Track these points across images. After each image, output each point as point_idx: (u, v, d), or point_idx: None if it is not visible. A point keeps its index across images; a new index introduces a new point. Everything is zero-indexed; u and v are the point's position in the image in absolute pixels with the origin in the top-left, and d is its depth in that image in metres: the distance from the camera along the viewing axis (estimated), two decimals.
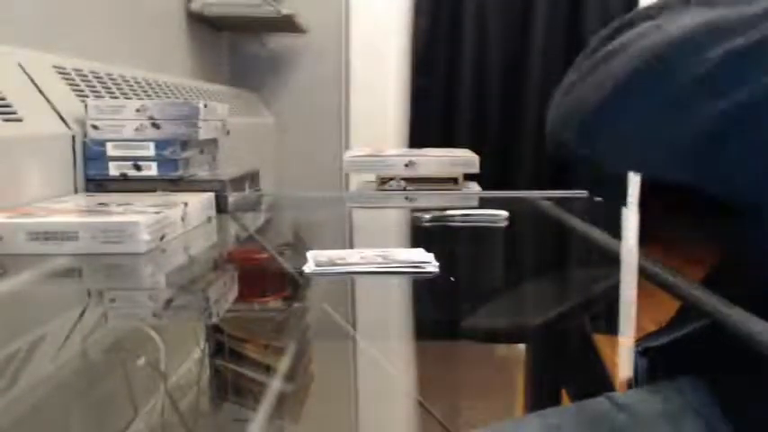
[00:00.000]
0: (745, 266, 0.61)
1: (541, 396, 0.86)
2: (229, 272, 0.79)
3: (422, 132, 2.51)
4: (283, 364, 0.49)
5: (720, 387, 0.58)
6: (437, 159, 1.52)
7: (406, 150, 1.78)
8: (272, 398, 0.44)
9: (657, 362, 0.62)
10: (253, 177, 1.21)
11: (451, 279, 0.71)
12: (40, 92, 1.00)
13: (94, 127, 1.01)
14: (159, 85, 1.48)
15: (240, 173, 1.13)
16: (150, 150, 1.01)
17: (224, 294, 0.68)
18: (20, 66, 1.00)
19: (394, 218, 1.31)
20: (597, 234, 0.90)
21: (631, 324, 0.79)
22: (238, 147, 1.59)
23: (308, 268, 0.68)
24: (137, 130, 1.02)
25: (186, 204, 0.87)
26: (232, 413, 0.45)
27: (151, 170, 1.01)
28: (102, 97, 1.17)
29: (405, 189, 1.47)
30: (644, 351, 0.63)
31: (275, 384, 0.46)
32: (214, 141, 1.17)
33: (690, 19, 0.47)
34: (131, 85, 1.32)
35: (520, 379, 0.85)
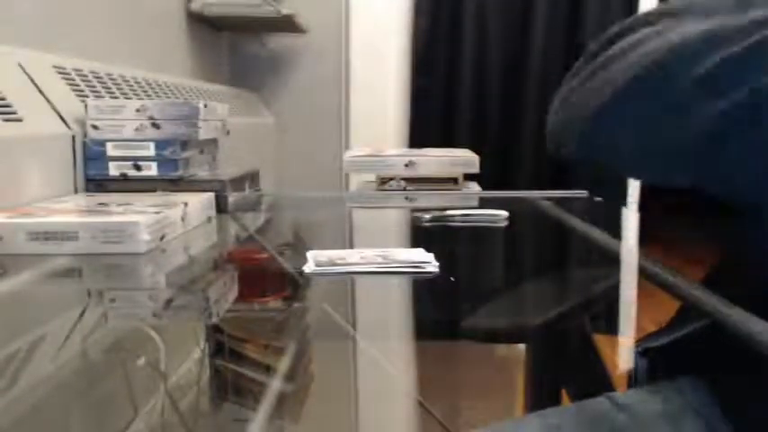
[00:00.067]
0: (745, 266, 0.61)
1: (541, 396, 0.86)
2: (229, 272, 0.79)
3: (422, 132, 2.51)
4: (283, 364, 0.49)
5: (720, 387, 0.58)
6: (437, 159, 1.52)
7: (406, 150, 1.78)
8: (272, 398, 0.44)
9: (657, 362, 0.62)
10: (253, 177, 1.21)
11: (451, 279, 0.71)
12: (40, 92, 1.00)
13: (94, 127, 1.01)
14: (159, 85, 1.48)
15: (240, 173, 1.13)
16: (150, 150, 1.01)
17: (224, 294, 0.68)
18: (20, 66, 1.00)
19: (394, 218, 1.31)
20: (597, 234, 0.90)
21: (631, 324, 0.79)
22: (238, 147, 1.59)
23: (308, 268, 0.68)
24: (137, 130, 1.02)
25: (186, 204, 0.87)
26: (232, 413, 0.45)
27: (151, 170, 1.01)
28: (102, 97, 1.17)
29: (405, 189, 1.47)
30: (644, 351, 0.63)
31: (275, 384, 0.46)
32: (214, 141, 1.17)
33: (690, 26, 0.47)
34: (131, 85, 1.32)
35: (520, 379, 0.85)
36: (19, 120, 0.90)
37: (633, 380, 0.63)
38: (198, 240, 0.89)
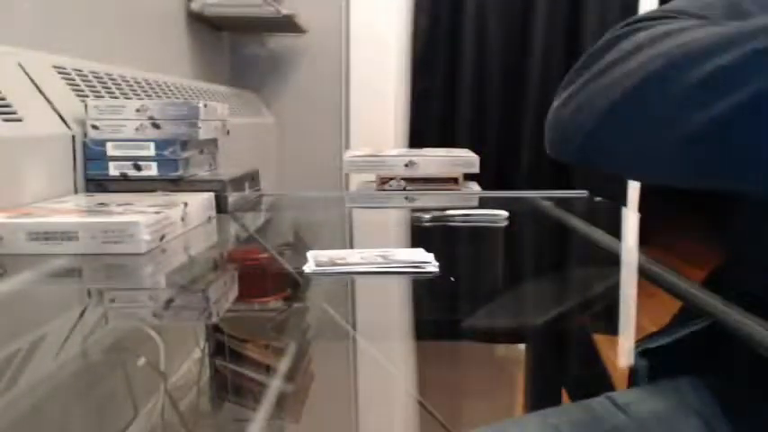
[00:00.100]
0: (746, 267, 0.61)
1: (541, 396, 0.86)
2: (229, 272, 0.79)
3: (422, 132, 2.51)
4: (283, 364, 0.49)
5: (720, 387, 0.58)
6: (437, 159, 1.52)
7: (406, 150, 1.78)
8: (272, 398, 0.44)
9: (657, 362, 0.62)
10: (253, 177, 1.21)
11: (451, 279, 0.72)
12: (40, 92, 1.00)
13: (94, 127, 1.01)
14: (159, 85, 1.49)
15: (240, 173, 1.13)
16: (150, 150, 1.01)
17: (224, 294, 0.68)
18: (20, 66, 1.00)
19: (394, 218, 1.31)
20: (597, 234, 0.90)
21: (631, 324, 0.79)
22: (238, 147, 1.59)
23: (308, 268, 0.68)
24: (137, 130, 1.02)
25: (186, 204, 0.87)
26: (232, 413, 0.45)
27: (151, 170, 1.01)
28: (102, 97, 1.17)
29: (405, 189, 1.47)
30: (644, 351, 0.63)
31: (275, 384, 0.46)
32: (214, 141, 1.17)
33: (693, 32, 0.47)
34: (131, 85, 1.32)
35: (520, 379, 0.85)
36: (19, 120, 0.90)
37: (633, 380, 0.63)
38: (198, 240, 0.89)
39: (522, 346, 0.85)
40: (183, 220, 0.85)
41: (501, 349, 0.83)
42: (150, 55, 1.70)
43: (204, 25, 2.19)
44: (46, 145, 0.95)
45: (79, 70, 1.15)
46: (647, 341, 0.63)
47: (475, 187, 1.54)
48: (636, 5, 2.43)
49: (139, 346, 0.54)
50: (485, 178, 1.56)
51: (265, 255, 0.86)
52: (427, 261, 0.70)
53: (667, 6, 0.56)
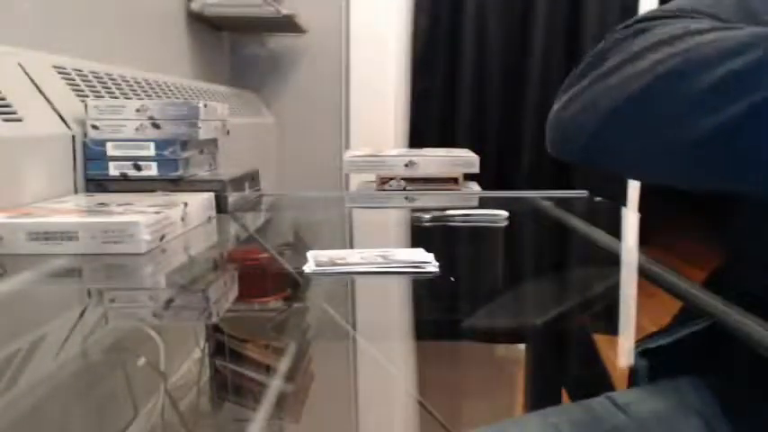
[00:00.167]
0: (746, 264, 0.61)
1: (541, 396, 0.86)
2: (229, 272, 0.79)
3: (422, 132, 2.51)
4: (283, 364, 0.49)
5: (720, 387, 0.58)
6: (437, 159, 1.52)
7: (406, 150, 1.78)
8: (272, 398, 0.44)
9: (658, 362, 0.62)
10: (253, 177, 1.21)
11: (451, 279, 0.72)
12: (40, 92, 1.00)
13: (94, 127, 1.01)
14: (159, 85, 1.49)
15: (240, 173, 1.13)
16: (150, 150, 1.01)
17: (224, 294, 0.68)
18: (20, 66, 1.00)
19: (394, 218, 1.31)
20: (597, 234, 0.90)
21: (631, 324, 0.79)
22: (238, 147, 1.59)
23: (308, 268, 0.68)
24: (137, 130, 1.02)
25: (186, 204, 0.87)
26: (232, 413, 0.45)
27: (151, 170, 1.01)
28: (102, 97, 1.17)
29: (405, 189, 1.47)
30: (644, 351, 0.63)
31: (275, 384, 0.46)
32: (214, 141, 1.17)
33: (701, 36, 0.47)
34: (131, 85, 1.32)
35: (520, 379, 0.85)
36: (19, 120, 0.90)
37: (633, 380, 0.63)
38: (198, 240, 0.89)
39: (522, 346, 0.85)
40: (183, 220, 0.85)
41: (501, 349, 0.83)
42: (150, 55, 1.70)
43: (204, 25, 2.19)
44: (46, 145, 0.95)
45: (79, 70, 1.15)
46: (648, 341, 0.63)
47: (475, 187, 1.54)
48: (636, 5, 2.43)
49: (139, 346, 0.54)
50: (485, 178, 1.56)
51: (265, 255, 0.86)
52: (427, 261, 0.70)
53: (673, 5, 0.56)
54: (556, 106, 0.57)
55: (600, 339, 0.79)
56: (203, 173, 1.10)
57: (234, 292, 0.69)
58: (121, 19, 1.55)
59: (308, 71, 2.53)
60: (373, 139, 2.42)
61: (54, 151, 0.97)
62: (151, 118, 1.02)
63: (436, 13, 2.51)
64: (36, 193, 0.89)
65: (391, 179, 1.48)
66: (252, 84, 2.49)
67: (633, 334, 0.73)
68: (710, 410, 0.56)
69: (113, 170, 1.01)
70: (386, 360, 0.54)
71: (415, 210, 1.30)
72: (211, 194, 0.99)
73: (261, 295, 0.70)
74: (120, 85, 1.27)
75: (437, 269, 0.69)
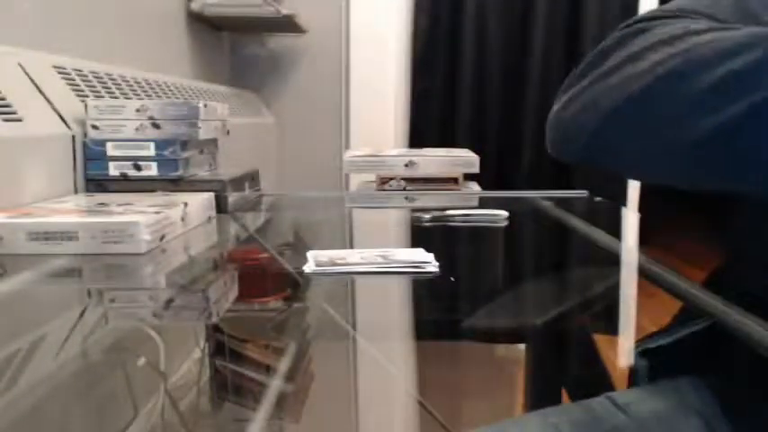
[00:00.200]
0: (746, 264, 0.61)
1: (541, 396, 0.86)
2: (229, 272, 0.79)
3: (422, 132, 2.51)
4: (283, 364, 0.49)
5: (720, 387, 0.58)
6: (437, 159, 1.52)
7: (406, 150, 1.78)
8: (272, 398, 0.44)
9: (658, 362, 0.62)
10: (253, 177, 1.21)
11: (451, 279, 0.71)
12: (40, 92, 1.00)
13: (94, 127, 1.01)
14: (159, 85, 1.49)
15: (240, 173, 1.13)
16: (150, 150, 1.01)
17: (224, 294, 0.68)
18: (20, 66, 1.00)
19: (394, 218, 1.31)
20: (597, 234, 0.90)
21: (631, 324, 0.79)
22: (238, 147, 1.59)
23: (309, 268, 0.68)
24: (137, 130, 1.02)
25: (186, 204, 0.87)
26: (232, 413, 0.45)
27: (151, 170, 1.01)
28: (102, 97, 1.17)
29: (405, 189, 1.47)
30: (644, 351, 0.63)
31: (275, 384, 0.46)
32: (214, 141, 1.17)
33: (700, 37, 0.47)
34: (131, 85, 1.32)
35: (520, 379, 0.85)
36: (19, 120, 0.90)
37: (633, 380, 0.63)
38: (198, 240, 0.89)
39: (522, 346, 0.85)
40: (183, 220, 0.85)
41: (501, 349, 0.83)
42: (150, 55, 1.70)
43: (204, 25, 2.19)
44: (46, 145, 0.95)
45: (79, 70, 1.15)
46: (648, 341, 0.63)
47: (475, 187, 1.54)
48: (636, 5, 2.43)
49: (139, 346, 0.54)
50: (485, 178, 1.56)
51: (265, 255, 0.86)
52: (427, 261, 0.70)
53: (673, 5, 0.56)
54: (556, 106, 0.57)
55: (600, 339, 0.79)
56: (203, 173, 1.10)
57: (234, 292, 0.69)
58: (121, 19, 1.55)
59: (308, 71, 2.53)
60: (373, 139, 2.42)
61: (54, 151, 0.97)
62: (151, 118, 1.02)
63: (436, 13, 2.51)
64: (36, 193, 0.89)
65: (391, 179, 1.48)
66: (252, 84, 2.49)
67: (633, 334, 0.73)
68: (710, 410, 0.56)
69: (113, 170, 1.01)
70: (386, 360, 0.54)
71: (415, 210, 1.30)
72: (211, 194, 0.99)
73: (261, 295, 0.70)
74: (120, 85, 1.27)
75: (437, 269, 0.68)
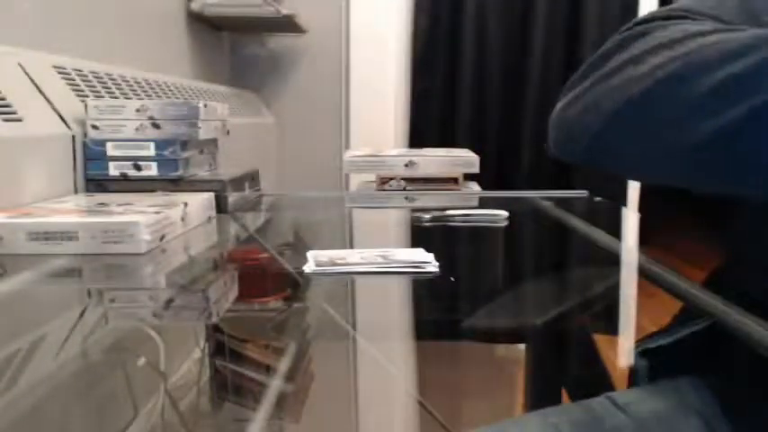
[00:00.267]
0: (746, 267, 0.61)
1: (541, 396, 0.86)
2: (229, 272, 0.79)
3: (422, 132, 2.51)
4: (283, 364, 0.49)
5: (720, 387, 0.58)
6: (437, 159, 1.52)
7: (406, 150, 1.78)
8: (272, 398, 0.44)
9: (658, 362, 0.62)
10: (253, 177, 1.21)
11: (451, 279, 0.71)
12: (40, 92, 1.00)
13: (94, 127, 1.01)
14: (159, 85, 1.49)
15: (240, 173, 1.13)
16: (150, 150, 1.01)
17: (224, 294, 0.68)
18: (20, 66, 1.00)
19: (394, 218, 1.31)
20: (597, 234, 0.90)
21: (631, 324, 0.79)
22: (238, 147, 1.59)
23: (309, 268, 0.68)
24: (137, 130, 1.02)
25: (186, 204, 0.87)
26: (232, 413, 0.45)
27: (151, 170, 1.01)
28: (102, 97, 1.17)
29: (405, 189, 1.47)
30: (644, 351, 0.63)
31: (275, 384, 0.46)
32: (214, 141, 1.17)
33: (702, 38, 0.47)
34: (131, 85, 1.32)
35: (520, 379, 0.85)
36: (19, 120, 0.90)
37: (633, 380, 0.63)
38: (198, 240, 0.89)
39: (522, 346, 0.85)
40: (183, 220, 0.85)
41: (501, 349, 0.83)
42: (150, 55, 1.70)
43: (204, 25, 2.19)
44: (46, 145, 0.95)
45: (79, 70, 1.15)
46: (648, 341, 0.63)
47: (475, 187, 1.54)
48: (636, 5, 2.43)
49: (139, 346, 0.54)
50: (485, 178, 1.56)
51: (265, 255, 0.86)
52: (427, 261, 0.70)
53: (677, 5, 0.56)
54: (559, 105, 0.58)
55: (600, 339, 0.79)
56: (203, 173, 1.10)
57: (234, 292, 0.69)
58: (121, 19, 1.55)
59: (308, 71, 2.53)
60: (373, 139, 2.42)
61: (54, 151, 0.97)
62: (151, 118, 1.02)
63: (436, 13, 2.51)
64: (36, 193, 0.89)
65: (391, 179, 1.48)
66: (252, 84, 2.49)
67: (633, 334, 0.73)
68: (710, 410, 0.56)
69: (113, 170, 1.01)
70: (386, 360, 0.54)
71: (415, 210, 1.30)
72: (211, 194, 0.99)
73: (261, 295, 0.70)
74: (120, 85, 1.27)
75: (437, 269, 0.68)
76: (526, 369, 0.84)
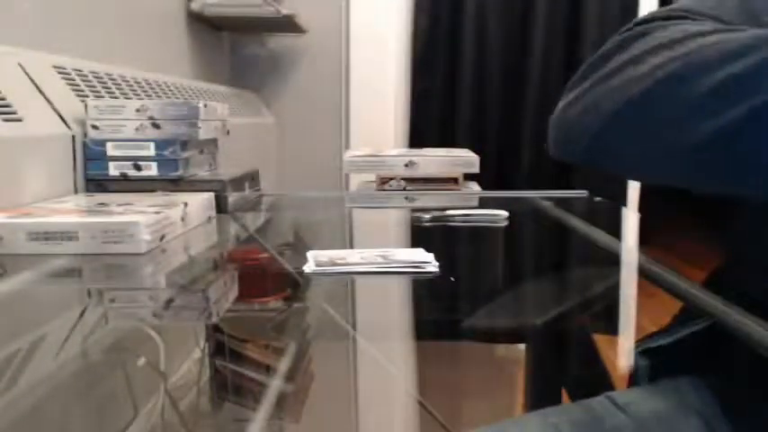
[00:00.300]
0: (746, 267, 0.61)
1: (541, 396, 0.86)
2: (229, 272, 0.79)
3: (422, 132, 2.51)
4: (283, 364, 0.49)
5: (720, 387, 0.58)
6: (437, 159, 1.52)
7: (406, 150, 1.78)
8: (272, 398, 0.44)
9: (658, 362, 0.62)
10: (253, 177, 1.21)
11: (451, 279, 0.71)
12: (40, 92, 1.00)
13: (94, 127, 1.01)
14: (159, 85, 1.49)
15: (240, 173, 1.13)
16: (150, 150, 1.01)
17: (224, 294, 0.68)
18: (20, 66, 1.00)
19: (394, 218, 1.31)
20: (597, 234, 0.90)
21: (631, 324, 0.79)
22: (238, 147, 1.59)
23: (309, 268, 0.68)
24: (137, 130, 1.02)
25: (186, 204, 0.87)
26: (232, 413, 0.45)
27: (151, 170, 1.01)
28: (102, 97, 1.17)
29: (405, 189, 1.47)
30: (644, 351, 0.63)
31: (275, 384, 0.46)
32: (214, 141, 1.17)
33: (703, 38, 0.47)
34: (131, 85, 1.32)
35: (520, 379, 0.85)
36: (19, 120, 0.90)
37: (634, 379, 0.63)
38: (198, 240, 0.89)
39: (522, 346, 0.85)
40: (182, 220, 0.85)
41: (501, 349, 0.83)
42: (150, 55, 1.70)
43: (204, 25, 2.19)
44: (46, 145, 0.95)
45: (79, 70, 1.15)
46: (648, 341, 0.63)
47: (475, 187, 1.54)
48: (636, 6, 2.43)
49: (139, 346, 0.54)
50: (485, 178, 1.56)
51: (265, 255, 0.86)
52: (427, 261, 0.70)
53: (678, 5, 0.56)
54: (559, 106, 0.58)
55: (600, 339, 0.79)
56: (203, 173, 1.10)
57: (234, 292, 0.69)
58: (121, 19, 1.55)
59: (308, 71, 2.53)
60: (373, 139, 2.42)
61: (54, 151, 0.97)
62: (151, 118, 1.02)
63: (436, 13, 2.51)
64: (36, 193, 0.89)
65: (391, 179, 1.48)
66: (252, 84, 2.49)
67: (633, 334, 0.73)
68: (710, 410, 0.56)
69: (113, 170, 1.01)
70: (386, 360, 0.54)
71: (415, 210, 1.30)
72: (211, 194, 0.99)
73: (261, 295, 0.70)
74: (120, 85, 1.27)
75: (437, 269, 0.68)
76: (526, 369, 0.84)
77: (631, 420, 0.55)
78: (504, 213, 1.02)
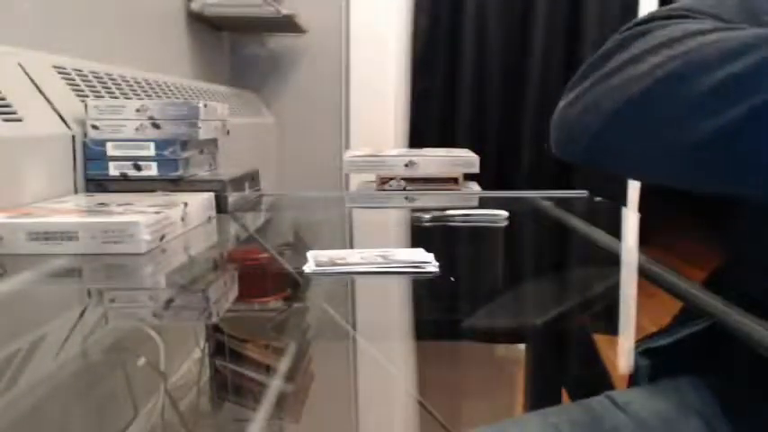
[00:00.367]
0: (746, 267, 0.61)
1: (541, 396, 0.86)
2: (229, 272, 0.79)
3: (422, 132, 2.51)
4: (283, 364, 0.49)
5: (720, 387, 0.58)
6: (437, 159, 1.52)
7: (406, 150, 1.78)
8: (272, 398, 0.44)
9: (658, 362, 0.62)
10: (253, 177, 1.21)
11: (451, 279, 0.71)
12: (40, 92, 1.00)
13: (94, 127, 1.01)
14: (159, 85, 1.49)
15: (240, 173, 1.13)
16: (150, 150, 1.01)
17: (224, 294, 0.68)
18: (20, 66, 1.00)
19: (394, 218, 1.31)
20: (597, 234, 0.90)
21: (631, 324, 0.79)
22: (238, 147, 1.59)
23: (309, 268, 0.68)
24: (137, 130, 1.02)
25: (186, 204, 0.87)
26: (232, 413, 0.45)
27: (151, 170, 1.01)
28: (102, 97, 1.17)
29: (405, 189, 1.47)
30: (644, 351, 0.63)
31: (275, 384, 0.46)
32: (214, 141, 1.17)
33: (702, 37, 0.47)
34: (131, 85, 1.32)
35: (520, 379, 0.85)
36: (19, 120, 0.90)
37: (634, 379, 0.63)
38: (198, 240, 0.89)
39: (522, 346, 0.85)
40: (183, 220, 0.85)
41: (501, 349, 0.83)
42: (150, 55, 1.70)
43: (204, 25, 2.19)
44: (46, 145, 0.95)
45: (79, 70, 1.15)
46: (648, 341, 0.63)
47: (475, 187, 1.54)
48: (636, 5, 2.43)
49: (139, 346, 0.54)
50: (485, 178, 1.56)
51: (265, 255, 0.86)
52: (427, 261, 0.70)
53: (678, 5, 0.56)
54: (560, 106, 0.58)
55: (600, 339, 0.79)
56: (203, 173, 1.10)
57: (234, 292, 0.69)
58: (121, 19, 1.55)
59: (308, 71, 2.53)
60: (373, 139, 2.42)
61: (54, 151, 0.97)
62: (151, 118, 1.02)
63: (436, 13, 2.50)
64: (36, 193, 0.89)
65: (391, 179, 1.48)
66: (252, 84, 2.49)
67: (633, 334, 0.73)
68: (710, 410, 0.56)
69: (113, 170, 1.01)
70: (386, 360, 0.54)
71: (415, 210, 1.30)
72: (211, 194, 0.99)
73: (261, 295, 0.70)
74: (120, 85, 1.27)
75: (437, 269, 0.68)
76: (526, 369, 0.84)
77: (631, 420, 0.55)
78: (505, 213, 1.02)
